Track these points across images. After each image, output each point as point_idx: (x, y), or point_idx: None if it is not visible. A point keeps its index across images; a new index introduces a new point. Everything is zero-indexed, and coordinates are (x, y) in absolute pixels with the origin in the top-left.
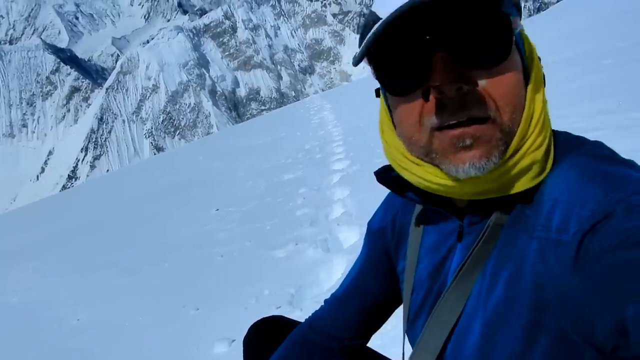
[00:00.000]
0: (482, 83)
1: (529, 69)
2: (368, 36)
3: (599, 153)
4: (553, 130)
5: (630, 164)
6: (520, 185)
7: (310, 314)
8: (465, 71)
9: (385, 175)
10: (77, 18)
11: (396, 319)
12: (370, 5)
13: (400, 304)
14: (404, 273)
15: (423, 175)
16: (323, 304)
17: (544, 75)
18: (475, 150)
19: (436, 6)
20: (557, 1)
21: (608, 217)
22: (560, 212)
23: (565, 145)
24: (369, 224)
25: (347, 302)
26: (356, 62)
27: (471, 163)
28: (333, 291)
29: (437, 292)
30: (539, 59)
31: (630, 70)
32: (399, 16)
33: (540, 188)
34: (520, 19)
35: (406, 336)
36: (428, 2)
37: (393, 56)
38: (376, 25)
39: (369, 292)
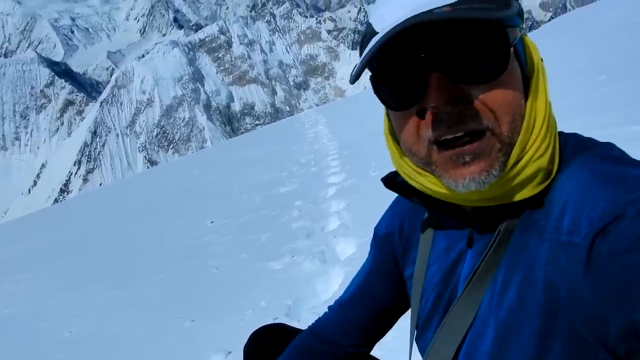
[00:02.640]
0: (479, 96)
1: (529, 74)
2: (363, 56)
3: (610, 154)
4: (562, 132)
5: None
6: (526, 192)
7: (308, 325)
8: (461, 87)
9: (392, 181)
10: (72, 32)
11: (397, 331)
12: (365, 22)
13: (406, 311)
14: (412, 279)
15: (426, 184)
16: (327, 310)
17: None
18: (475, 166)
19: (431, 25)
20: (549, 20)
21: (619, 218)
22: (570, 214)
23: (575, 147)
24: (375, 229)
25: (352, 308)
26: (353, 79)
27: (471, 178)
28: (330, 302)
29: (448, 299)
30: (542, 60)
31: (624, 86)
32: (399, 32)
33: (550, 190)
34: (523, 24)
35: (415, 343)
36: (428, 22)
37: (389, 72)
38: (371, 43)
39: (375, 298)
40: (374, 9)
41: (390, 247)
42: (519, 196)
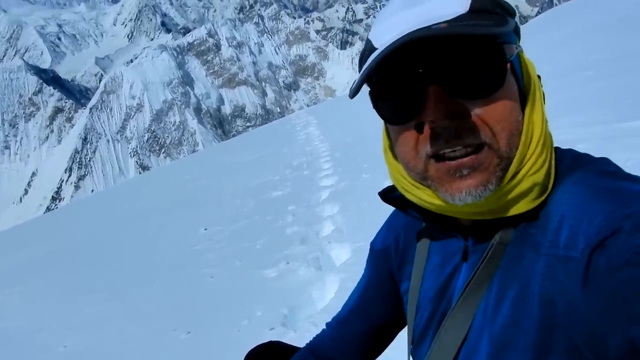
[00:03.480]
0: (476, 111)
1: (526, 90)
2: (362, 71)
3: (605, 169)
4: (557, 148)
5: (637, 179)
6: (522, 207)
7: (305, 335)
8: (458, 101)
9: (389, 195)
10: (59, 39)
11: (394, 342)
12: (354, 22)
13: (404, 327)
14: (408, 293)
15: (423, 197)
16: (325, 327)
17: (543, 94)
18: (472, 179)
19: (429, 41)
20: (536, 15)
21: (616, 233)
22: (568, 229)
23: (571, 162)
24: (371, 244)
25: (350, 324)
26: (352, 94)
27: (467, 191)
28: (327, 311)
29: (443, 313)
30: (539, 77)
31: (611, 82)
32: (397, 48)
33: (546, 205)
34: (519, 41)
35: (411, 358)
36: (425, 37)
37: (387, 87)
38: (370, 59)
39: (373, 314)
40: (373, 26)
41: (386, 262)
42: (515, 210)
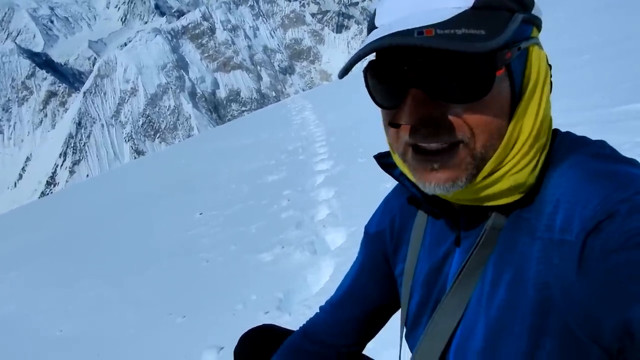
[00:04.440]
0: (457, 111)
1: (523, 91)
2: (350, 58)
3: (601, 152)
4: (555, 130)
5: (632, 162)
6: (500, 201)
7: (299, 319)
8: (439, 103)
9: (385, 160)
10: (52, 22)
11: (387, 323)
12: (349, 5)
13: (397, 310)
14: (402, 276)
15: (406, 173)
16: (318, 310)
17: (551, 84)
18: (442, 174)
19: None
20: None
21: (612, 216)
22: (563, 212)
23: (567, 146)
24: (366, 227)
25: (344, 308)
26: (341, 74)
27: (436, 184)
28: (321, 294)
29: (436, 297)
30: (550, 67)
31: (608, 66)
32: (369, 52)
33: (541, 189)
34: (538, 31)
35: (404, 340)
36: (405, 45)
37: (378, 71)
38: (365, 42)
39: (367, 297)
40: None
41: (381, 245)
42: (499, 201)
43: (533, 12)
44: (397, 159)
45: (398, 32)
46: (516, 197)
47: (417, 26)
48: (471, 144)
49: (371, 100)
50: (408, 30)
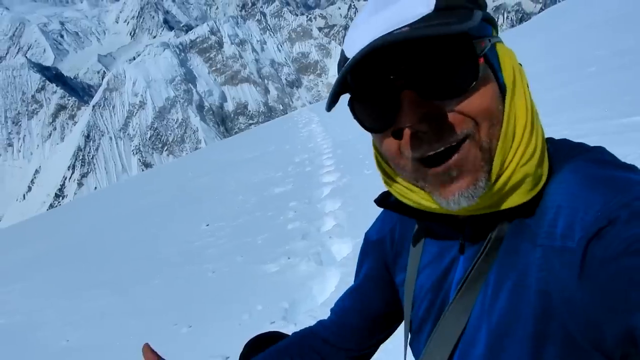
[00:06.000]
0: (454, 107)
1: (506, 81)
2: (333, 85)
3: (601, 158)
4: (550, 138)
5: (632, 168)
6: (517, 199)
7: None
8: (434, 103)
9: (386, 200)
10: (62, 36)
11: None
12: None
13: (403, 318)
14: (404, 285)
15: (419, 200)
16: (329, 312)
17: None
18: (463, 180)
19: (395, 47)
20: (539, 11)
21: (612, 222)
22: (564, 219)
23: (566, 152)
24: (366, 235)
25: (349, 314)
26: (328, 107)
27: (460, 193)
28: (327, 305)
29: (440, 305)
30: (520, 65)
31: (612, 78)
32: (359, 60)
33: (542, 196)
34: (496, 32)
35: (409, 349)
36: (386, 45)
37: (363, 96)
38: (343, 69)
39: (371, 304)
40: (346, 35)
41: (381, 254)
42: (511, 203)
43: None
44: (403, 189)
45: (374, 40)
46: (528, 196)
47: (392, 29)
48: (476, 136)
49: (361, 127)
50: (384, 35)
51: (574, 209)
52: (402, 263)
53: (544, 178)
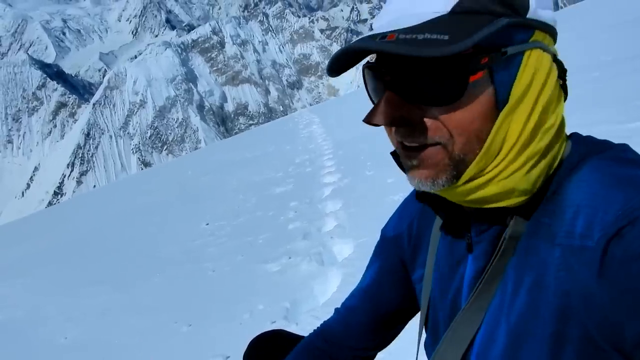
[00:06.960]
0: (434, 113)
1: (510, 96)
2: (337, 51)
3: (623, 156)
4: (575, 134)
5: None
6: (504, 203)
7: (306, 329)
8: (415, 106)
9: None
10: (64, 34)
11: (403, 332)
12: (358, 22)
13: (414, 315)
14: (422, 282)
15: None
16: (334, 313)
17: (565, 88)
18: (422, 170)
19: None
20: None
21: (633, 222)
22: (583, 218)
23: (588, 149)
24: (383, 230)
25: (359, 311)
26: (328, 72)
27: (419, 179)
28: (329, 305)
29: (452, 303)
30: (565, 71)
31: (618, 83)
32: (335, 57)
33: (562, 194)
34: (541, 37)
35: (422, 346)
36: (366, 50)
37: (367, 73)
38: (337, 50)
39: (383, 301)
40: (386, 2)
41: (398, 250)
42: (500, 204)
43: (532, 16)
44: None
45: (367, 36)
46: (519, 199)
47: (394, 29)
48: (449, 146)
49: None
50: (375, 34)
51: (594, 208)
52: (421, 259)
53: (528, 186)
